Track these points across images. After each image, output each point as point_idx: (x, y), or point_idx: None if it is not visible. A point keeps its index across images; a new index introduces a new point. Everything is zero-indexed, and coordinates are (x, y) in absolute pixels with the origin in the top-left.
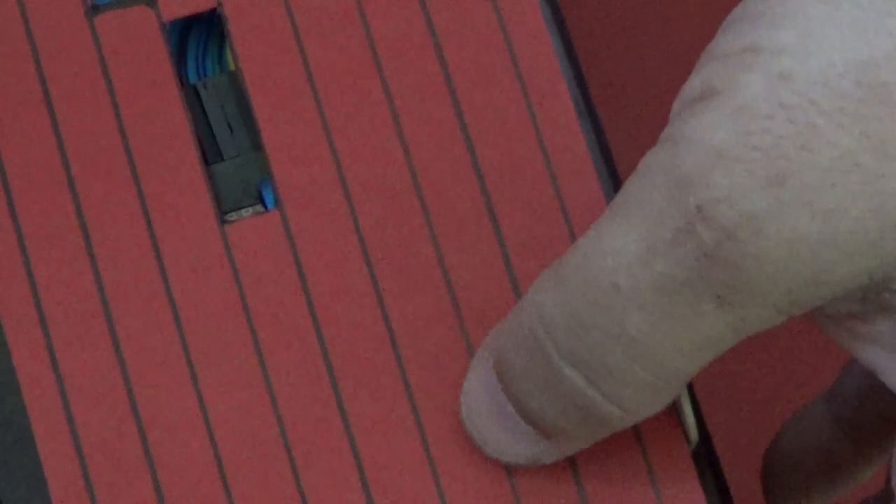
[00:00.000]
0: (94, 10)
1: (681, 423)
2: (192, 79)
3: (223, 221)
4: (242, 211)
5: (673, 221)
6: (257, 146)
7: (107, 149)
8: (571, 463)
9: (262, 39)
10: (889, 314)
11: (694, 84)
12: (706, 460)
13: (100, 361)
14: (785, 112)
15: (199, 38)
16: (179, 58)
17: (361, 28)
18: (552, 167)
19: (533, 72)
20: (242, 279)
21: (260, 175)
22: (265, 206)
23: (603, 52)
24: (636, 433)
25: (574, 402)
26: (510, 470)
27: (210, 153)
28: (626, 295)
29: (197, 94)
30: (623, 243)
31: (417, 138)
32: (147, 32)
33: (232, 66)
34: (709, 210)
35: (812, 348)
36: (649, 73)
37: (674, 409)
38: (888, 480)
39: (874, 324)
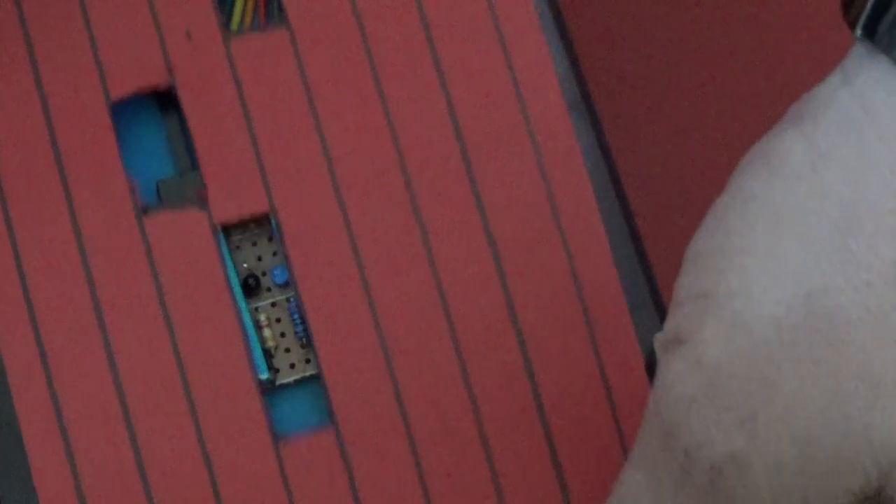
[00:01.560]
0: (143, 211)
1: None
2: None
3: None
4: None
5: (670, 467)
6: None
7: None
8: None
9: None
10: None
11: (668, 326)
12: None
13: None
14: (742, 355)
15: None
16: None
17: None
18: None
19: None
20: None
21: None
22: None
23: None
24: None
25: None
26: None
27: None
28: None
29: None
30: (638, 492)
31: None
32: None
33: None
34: (695, 454)
35: None
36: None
37: None
38: None
39: None
